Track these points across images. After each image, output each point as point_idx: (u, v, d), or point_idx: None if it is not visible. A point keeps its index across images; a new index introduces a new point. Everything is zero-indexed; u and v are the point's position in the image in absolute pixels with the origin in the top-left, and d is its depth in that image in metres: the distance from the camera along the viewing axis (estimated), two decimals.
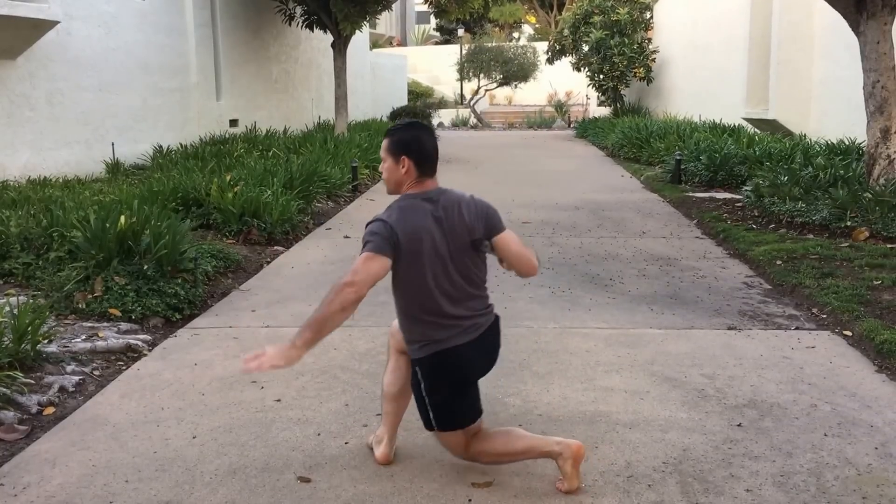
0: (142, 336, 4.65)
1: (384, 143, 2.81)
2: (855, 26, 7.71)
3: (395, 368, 3.05)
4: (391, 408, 3.07)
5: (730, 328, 4.76)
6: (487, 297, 2.90)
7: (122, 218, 5.45)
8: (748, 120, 13.91)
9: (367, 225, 2.73)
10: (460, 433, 2.86)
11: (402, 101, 27.07)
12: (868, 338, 4.40)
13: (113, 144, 10.94)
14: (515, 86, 27.31)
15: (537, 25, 39.67)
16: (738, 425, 3.42)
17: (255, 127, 14.62)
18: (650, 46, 20.37)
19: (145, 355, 4.42)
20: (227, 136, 13.40)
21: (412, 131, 2.81)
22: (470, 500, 2.83)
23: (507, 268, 2.91)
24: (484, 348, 2.84)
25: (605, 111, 22.91)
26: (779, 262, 6.09)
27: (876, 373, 4.02)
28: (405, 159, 2.74)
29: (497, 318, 2.93)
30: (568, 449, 2.79)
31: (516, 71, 26.25)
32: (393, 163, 2.77)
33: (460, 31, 35.07)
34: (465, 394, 2.84)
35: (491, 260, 2.94)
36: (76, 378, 4.00)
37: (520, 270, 2.89)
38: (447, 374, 2.78)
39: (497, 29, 39.08)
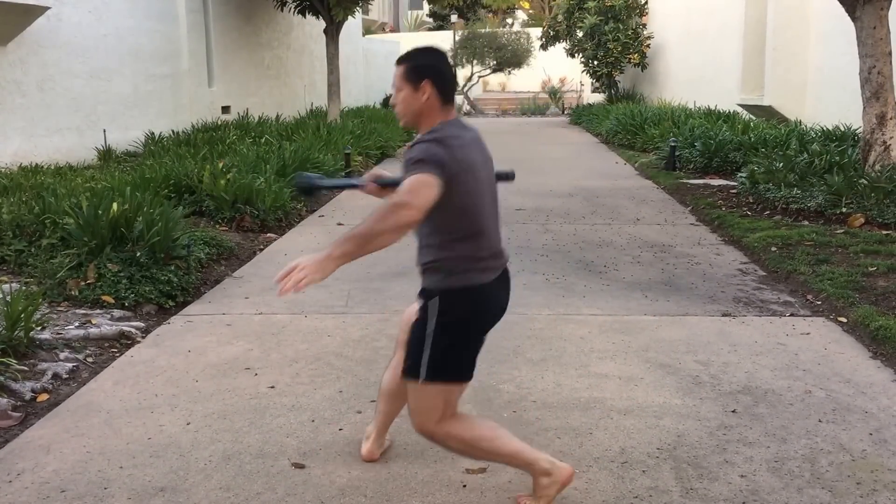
0: (135, 323, 4.63)
1: (399, 70, 2.51)
2: (851, 11, 7.69)
3: (399, 364, 2.78)
4: (386, 407, 2.94)
5: (724, 315, 4.77)
6: None
7: (115, 205, 5.42)
8: (743, 106, 13.89)
9: (416, 144, 2.42)
10: (442, 396, 2.52)
11: None
12: (863, 324, 4.41)
13: (104, 131, 10.87)
14: (509, 72, 27.20)
15: (531, 11, 39.50)
16: (733, 411, 3.42)
17: (247, 113, 14.53)
18: (645, 32, 20.30)
19: (139, 342, 4.41)
20: (219, 122, 13.33)
21: (430, 55, 2.53)
22: (464, 486, 2.83)
23: None
24: (505, 289, 2.63)
25: (599, 98, 22.85)
26: (774, 249, 6.10)
27: (871, 359, 4.03)
28: (427, 84, 2.46)
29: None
30: (559, 473, 2.59)
31: (510, 57, 26.14)
32: (411, 91, 2.48)
33: (453, 17, 34.87)
34: (474, 340, 2.56)
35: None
36: (70, 365, 3.99)
37: None
38: (470, 310, 2.50)
39: (490, 15, 38.90)
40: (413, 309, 2.72)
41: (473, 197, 2.46)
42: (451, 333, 2.49)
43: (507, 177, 2.85)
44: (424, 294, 2.54)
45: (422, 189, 2.29)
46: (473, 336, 2.55)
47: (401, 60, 2.55)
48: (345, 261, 2.26)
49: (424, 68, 2.49)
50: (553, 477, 2.58)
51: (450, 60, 2.61)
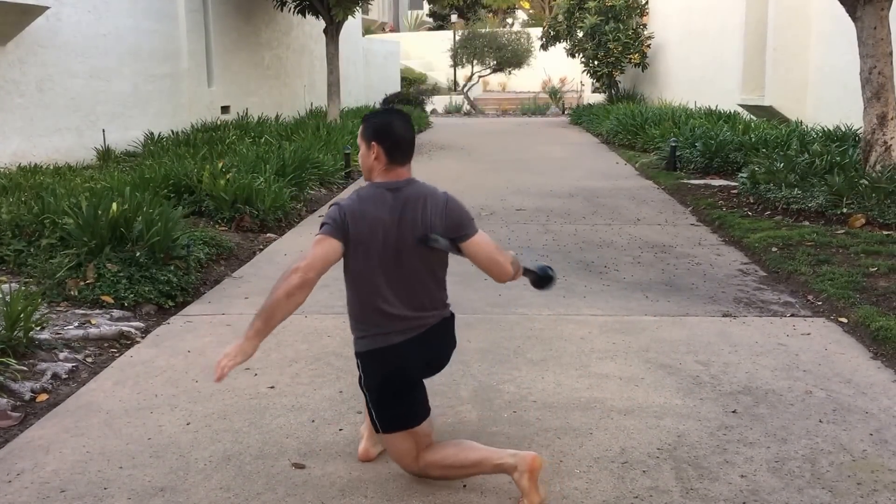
0: (134, 323, 4.63)
1: (360, 129, 2.74)
2: (852, 12, 7.68)
3: None
4: None
5: (725, 315, 4.76)
6: (443, 295, 2.77)
7: (115, 205, 5.41)
8: (744, 106, 13.88)
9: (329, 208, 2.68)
10: (408, 439, 2.69)
11: (395, 87, 26.93)
12: (863, 325, 4.40)
13: (104, 131, 10.86)
14: (509, 72, 27.18)
15: (531, 11, 39.48)
16: (733, 412, 3.42)
17: (246, 113, 14.52)
18: (645, 32, 20.27)
19: (138, 342, 4.40)
20: (218, 122, 13.32)
21: (385, 117, 2.73)
22: (465, 486, 2.82)
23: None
24: (429, 347, 2.71)
25: (599, 98, 22.83)
26: (774, 249, 6.09)
27: (871, 359, 4.03)
28: (375, 145, 2.65)
29: (450, 315, 2.79)
30: (523, 461, 2.60)
31: (510, 57, 26.11)
32: (365, 149, 2.69)
33: (453, 17, 34.87)
34: (406, 393, 2.69)
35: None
36: (69, 365, 3.98)
37: (490, 276, 2.78)
38: (385, 371, 2.65)
39: (490, 14, 38.88)
40: None
41: (370, 260, 2.59)
42: (376, 392, 2.68)
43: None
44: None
45: (311, 249, 2.55)
46: (398, 392, 2.68)
47: (363, 120, 2.75)
48: (260, 337, 2.52)
49: (375, 130, 2.68)
50: (520, 468, 2.60)
51: (409, 122, 2.74)
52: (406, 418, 2.69)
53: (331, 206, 2.66)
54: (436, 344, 2.76)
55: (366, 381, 2.70)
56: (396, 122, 2.70)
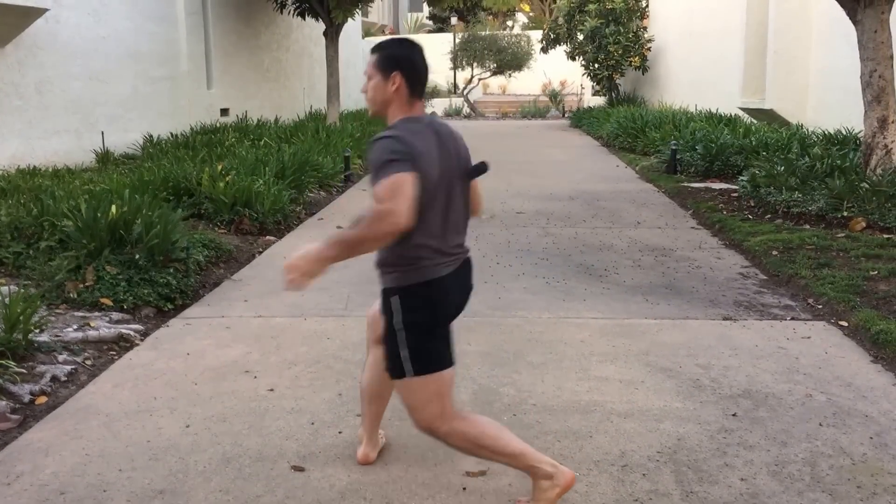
0: (134, 326, 4.62)
1: (372, 59, 2.54)
2: (852, 15, 7.69)
3: (374, 364, 2.87)
4: (370, 408, 2.95)
5: (725, 318, 4.76)
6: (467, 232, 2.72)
7: (114, 207, 5.41)
8: (744, 110, 13.89)
9: (376, 143, 2.41)
10: (436, 385, 2.53)
11: None
12: (864, 328, 4.40)
13: (103, 133, 10.86)
14: (509, 75, 27.20)
15: (531, 14, 39.54)
16: (733, 415, 3.41)
17: (246, 116, 14.53)
18: (646, 35, 20.30)
19: (137, 345, 4.39)
20: (217, 125, 13.32)
21: (404, 46, 2.56)
22: (465, 489, 2.82)
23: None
24: (461, 283, 2.63)
25: (600, 101, 22.85)
26: (775, 253, 6.09)
27: (871, 363, 4.02)
28: (397, 75, 2.48)
29: (470, 257, 2.74)
30: (562, 477, 2.58)
31: (510, 60, 26.14)
32: (381, 80, 2.51)
33: (453, 20, 34.92)
34: (444, 330, 2.58)
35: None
36: (68, 367, 3.97)
37: (475, 209, 2.74)
38: (431, 304, 2.53)
39: (490, 17, 38.93)
40: (376, 308, 2.74)
41: (426, 195, 2.44)
42: (416, 328, 2.51)
43: (479, 170, 2.66)
44: (384, 293, 2.56)
45: (401, 190, 2.30)
46: (439, 327, 2.57)
47: (375, 49, 2.58)
48: (331, 263, 2.40)
49: (397, 59, 2.51)
50: (555, 480, 2.58)
51: (424, 54, 2.60)
52: (442, 358, 2.55)
53: (381, 139, 2.41)
54: (465, 282, 2.67)
55: (405, 316, 2.51)
56: (416, 51, 2.58)
